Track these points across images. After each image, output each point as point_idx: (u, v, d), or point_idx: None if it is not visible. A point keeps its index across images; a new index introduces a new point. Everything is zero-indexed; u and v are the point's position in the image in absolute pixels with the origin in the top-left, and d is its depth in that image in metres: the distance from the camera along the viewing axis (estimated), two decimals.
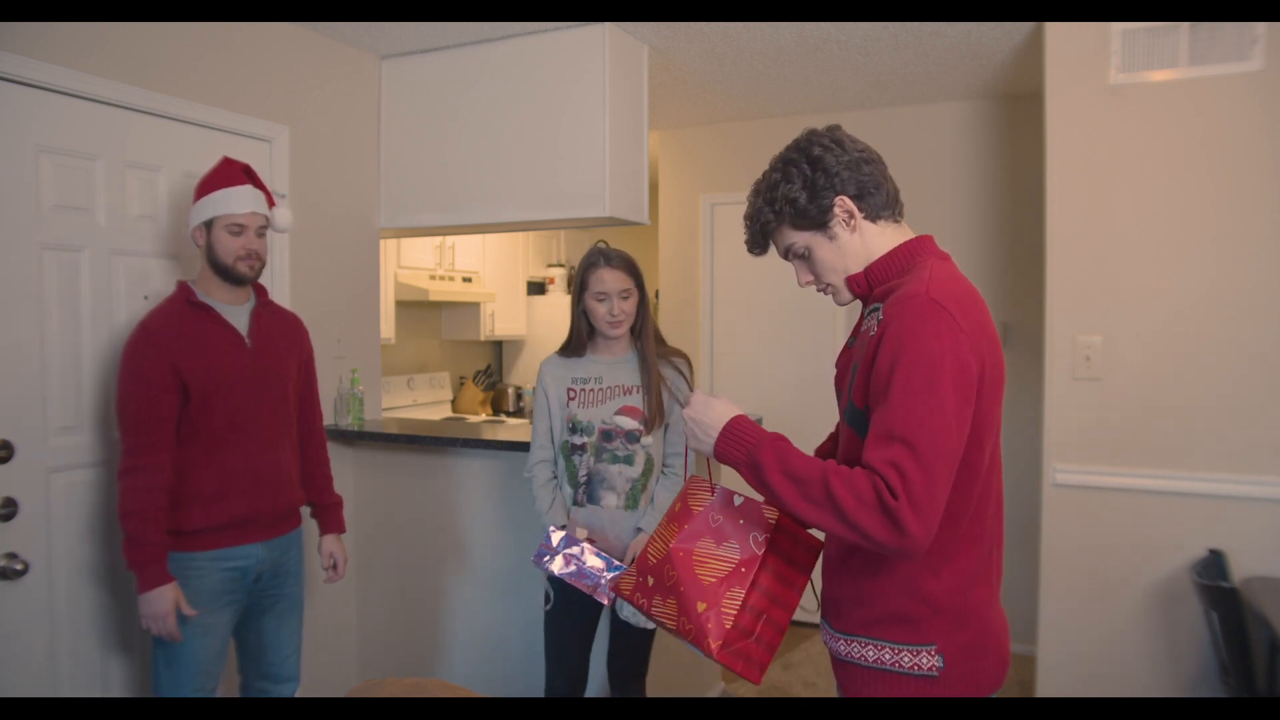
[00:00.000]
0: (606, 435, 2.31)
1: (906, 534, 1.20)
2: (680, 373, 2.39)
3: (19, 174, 2.18)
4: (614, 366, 2.37)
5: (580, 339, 2.40)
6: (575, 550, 2.20)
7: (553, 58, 3.05)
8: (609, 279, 2.30)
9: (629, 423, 2.31)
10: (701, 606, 1.40)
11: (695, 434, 1.41)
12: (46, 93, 2.23)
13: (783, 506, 1.31)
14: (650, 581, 1.48)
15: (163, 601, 2.04)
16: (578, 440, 2.33)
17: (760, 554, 1.42)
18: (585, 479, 2.32)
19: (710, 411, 1.40)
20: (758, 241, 1.51)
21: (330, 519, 2.48)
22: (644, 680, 2.45)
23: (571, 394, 2.36)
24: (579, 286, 2.35)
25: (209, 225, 2.18)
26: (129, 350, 2.12)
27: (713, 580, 1.41)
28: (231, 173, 2.22)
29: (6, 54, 2.12)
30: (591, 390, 2.35)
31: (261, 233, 2.23)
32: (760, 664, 1.42)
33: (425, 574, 3.14)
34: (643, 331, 2.37)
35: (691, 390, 2.40)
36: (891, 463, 1.22)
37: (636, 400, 2.33)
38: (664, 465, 2.37)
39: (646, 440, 2.31)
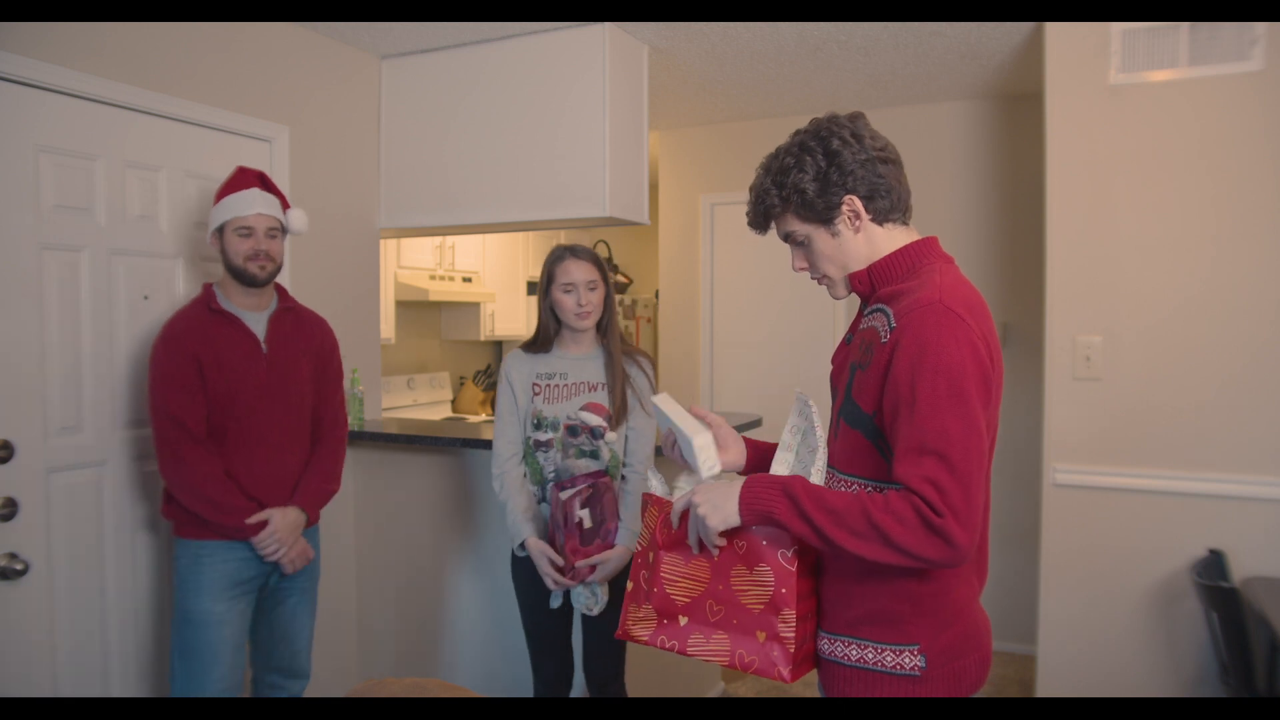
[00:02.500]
0: (572, 430, 2.31)
1: (956, 547, 1.22)
2: (644, 372, 2.38)
3: (19, 174, 2.18)
4: (579, 363, 2.36)
5: (547, 335, 2.38)
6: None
7: (553, 58, 3.05)
8: (575, 270, 2.29)
9: (593, 419, 2.30)
10: (761, 636, 1.39)
11: (713, 510, 1.36)
12: (46, 93, 2.23)
13: (820, 537, 1.28)
14: (684, 621, 1.45)
15: (279, 530, 2.22)
16: (542, 436, 2.32)
17: (794, 570, 1.39)
18: (553, 475, 2.30)
19: (718, 487, 1.37)
20: (760, 221, 1.50)
21: (307, 495, 2.35)
22: (622, 680, 2.41)
23: (536, 389, 2.34)
24: (545, 281, 2.34)
25: (221, 231, 2.26)
26: (157, 354, 2.19)
27: (760, 607, 1.39)
28: (241, 179, 2.28)
29: (6, 54, 2.12)
30: (557, 386, 2.34)
31: (272, 234, 2.28)
32: (812, 655, 1.46)
33: (425, 574, 3.14)
34: (608, 328, 2.37)
35: (654, 391, 2.37)
36: (928, 479, 1.23)
37: (601, 397, 2.32)
38: (623, 472, 2.34)
39: (610, 437, 2.30)
